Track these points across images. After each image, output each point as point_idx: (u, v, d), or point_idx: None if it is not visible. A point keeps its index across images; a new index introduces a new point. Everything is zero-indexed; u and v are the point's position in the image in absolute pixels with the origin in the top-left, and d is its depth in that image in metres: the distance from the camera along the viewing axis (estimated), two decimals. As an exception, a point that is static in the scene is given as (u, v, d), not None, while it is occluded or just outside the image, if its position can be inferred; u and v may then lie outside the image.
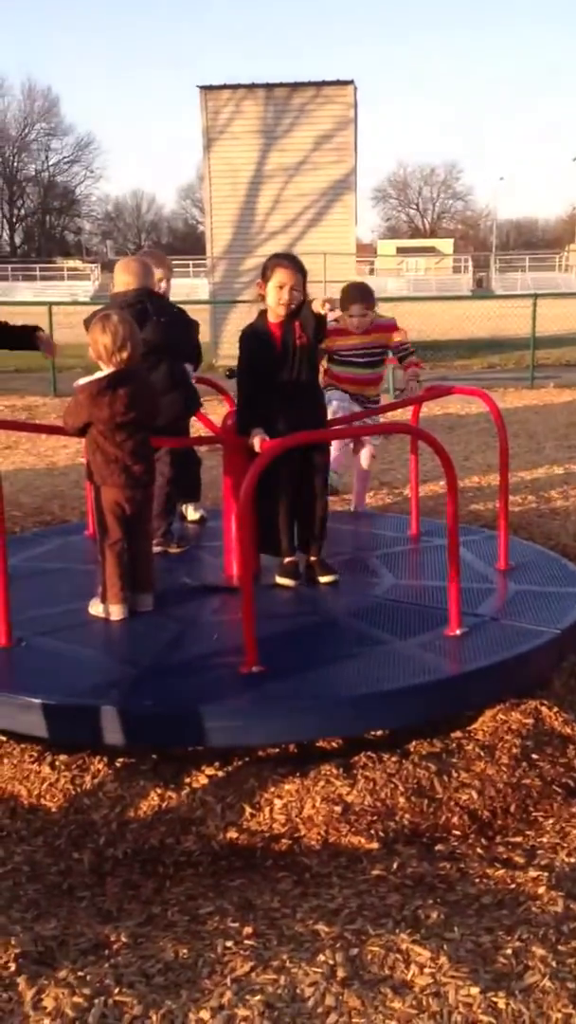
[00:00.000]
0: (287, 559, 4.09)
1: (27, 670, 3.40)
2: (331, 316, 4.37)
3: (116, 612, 3.75)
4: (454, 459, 6.63)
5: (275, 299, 3.95)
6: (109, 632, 3.71)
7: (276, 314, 3.98)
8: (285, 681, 3.20)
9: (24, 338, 4.35)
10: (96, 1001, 2.08)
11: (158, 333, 4.30)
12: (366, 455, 5.68)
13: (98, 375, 3.62)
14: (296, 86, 17.71)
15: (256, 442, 3.80)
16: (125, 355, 3.58)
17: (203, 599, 4.06)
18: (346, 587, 4.16)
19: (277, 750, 3.24)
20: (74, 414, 3.65)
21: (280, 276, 3.92)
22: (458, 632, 3.51)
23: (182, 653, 3.50)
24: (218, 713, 3.06)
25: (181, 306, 4.92)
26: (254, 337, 4.01)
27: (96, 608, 3.81)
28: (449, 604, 3.54)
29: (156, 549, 4.34)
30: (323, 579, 4.11)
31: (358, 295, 5.42)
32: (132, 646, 3.57)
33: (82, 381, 3.66)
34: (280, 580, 4.07)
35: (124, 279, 4.46)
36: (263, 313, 4.03)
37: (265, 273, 3.98)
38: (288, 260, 4.01)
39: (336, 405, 5.13)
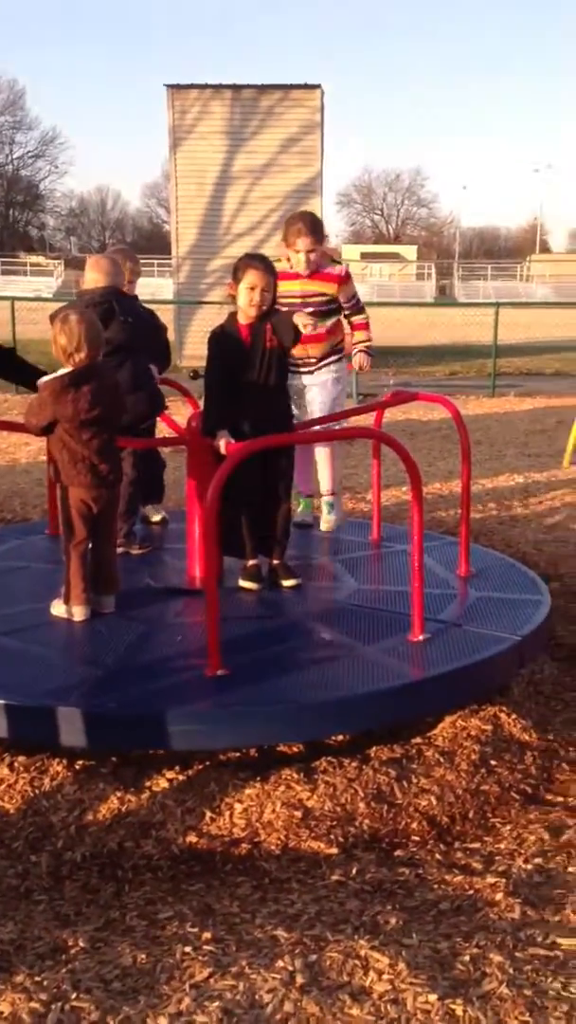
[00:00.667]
0: (250, 562, 4.08)
1: None
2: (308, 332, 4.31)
3: (79, 613, 3.72)
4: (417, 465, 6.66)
5: (246, 300, 3.94)
6: (72, 633, 3.68)
7: (247, 315, 3.97)
8: (250, 685, 3.19)
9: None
10: (53, 1007, 2.06)
11: (123, 333, 4.27)
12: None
13: (60, 372, 3.59)
14: (264, 88, 17.72)
15: (222, 444, 3.79)
16: (82, 355, 3.55)
17: (166, 601, 4.04)
18: (308, 591, 4.16)
19: (238, 754, 3.24)
20: (37, 412, 3.61)
21: (251, 278, 3.92)
22: (421, 638, 3.53)
23: (145, 655, 3.48)
24: (183, 716, 3.04)
25: (151, 308, 4.89)
26: (223, 338, 4.00)
27: (58, 609, 3.78)
28: (412, 610, 3.56)
29: (118, 550, 4.31)
30: (286, 583, 4.11)
31: (305, 227, 4.79)
32: (95, 647, 3.54)
33: (45, 379, 3.63)
34: (243, 583, 4.07)
35: (93, 276, 4.43)
36: (233, 315, 4.02)
37: (236, 274, 3.97)
38: (259, 261, 4.01)
39: None
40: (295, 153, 17.78)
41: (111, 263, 4.52)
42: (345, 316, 5.05)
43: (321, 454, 5.14)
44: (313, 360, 4.98)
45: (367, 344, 5.14)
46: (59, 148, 72.18)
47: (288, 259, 4.86)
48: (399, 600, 3.96)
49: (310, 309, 4.62)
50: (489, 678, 3.50)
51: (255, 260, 4.02)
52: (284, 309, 4.24)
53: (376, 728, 3.34)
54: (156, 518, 5.25)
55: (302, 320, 3.94)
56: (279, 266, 4.48)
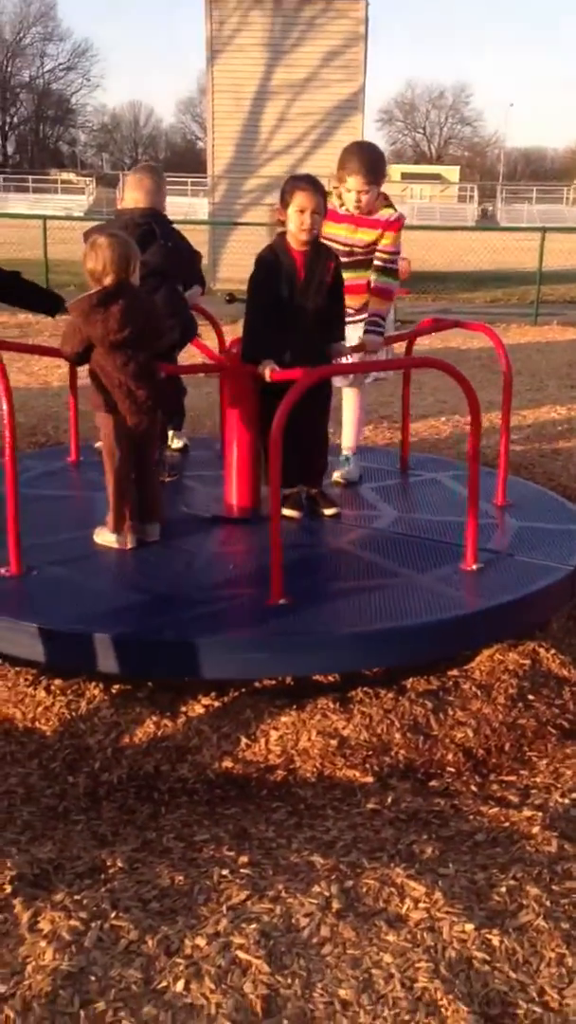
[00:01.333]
0: (291, 490, 4.03)
1: (45, 599, 3.33)
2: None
3: (124, 541, 3.69)
4: (452, 396, 6.52)
5: (296, 224, 3.76)
6: (122, 562, 3.64)
7: (298, 240, 3.79)
8: (312, 614, 3.17)
9: (47, 302, 4.08)
10: (93, 925, 2.10)
11: (161, 257, 4.15)
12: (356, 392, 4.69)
13: (89, 292, 3.50)
14: (306, -2, 17.00)
15: (267, 371, 3.70)
16: (110, 279, 3.45)
17: (207, 530, 4.01)
18: (349, 520, 4.12)
19: (273, 682, 3.24)
20: (70, 337, 3.54)
21: (300, 200, 3.73)
22: (474, 567, 3.51)
23: (200, 584, 3.46)
24: (250, 645, 3.04)
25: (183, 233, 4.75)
26: (274, 261, 3.84)
27: (103, 537, 3.75)
28: (467, 539, 3.54)
29: None
30: (327, 511, 4.07)
31: (361, 163, 4.10)
32: (149, 576, 3.51)
33: (74, 300, 3.55)
34: (285, 512, 4.02)
35: (134, 196, 4.29)
36: (282, 236, 3.86)
37: (284, 197, 3.80)
38: (307, 182, 3.80)
39: None
40: (337, 67, 17.13)
41: (154, 182, 4.36)
42: (374, 267, 4.29)
43: (348, 408, 4.70)
44: (351, 311, 4.33)
45: (380, 319, 4.33)
46: (91, 60, 70.81)
47: (340, 196, 4.23)
48: (443, 529, 3.94)
49: (354, 258, 4.22)
50: (544, 608, 3.49)
51: (303, 181, 3.81)
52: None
53: (442, 658, 3.34)
54: (177, 444, 5.18)
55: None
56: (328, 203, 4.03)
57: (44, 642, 3.08)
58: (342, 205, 4.23)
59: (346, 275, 4.04)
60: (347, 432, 4.72)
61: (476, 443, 3.51)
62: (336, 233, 4.21)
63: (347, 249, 4.23)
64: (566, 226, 32.58)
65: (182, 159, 62.53)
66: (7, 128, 71.49)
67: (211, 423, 6.04)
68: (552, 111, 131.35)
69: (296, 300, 3.82)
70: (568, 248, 19.22)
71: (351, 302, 4.28)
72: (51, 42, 69.51)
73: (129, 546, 3.69)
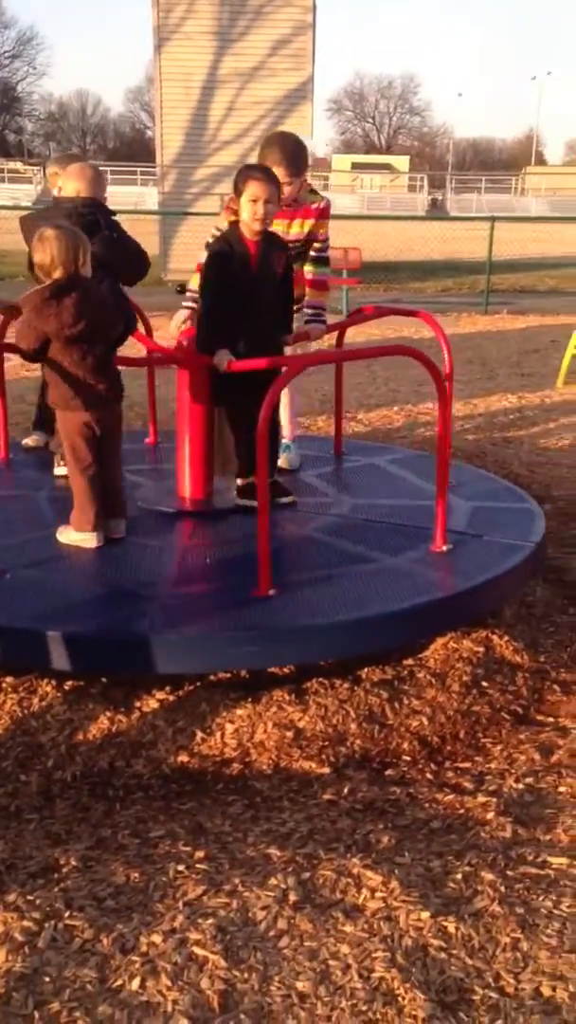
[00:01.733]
0: (245, 480, 4.01)
1: (29, 602, 3.23)
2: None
3: (92, 539, 3.61)
4: (407, 385, 6.56)
5: (249, 214, 3.72)
6: (94, 560, 3.56)
7: (251, 230, 3.76)
8: (299, 603, 3.17)
9: None
10: (47, 925, 2.07)
11: (106, 248, 4.07)
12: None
13: (40, 286, 3.44)
14: (254, -15, 16.89)
15: (224, 361, 3.67)
16: (59, 272, 3.39)
17: (169, 524, 3.96)
18: (309, 508, 4.12)
19: (229, 675, 3.22)
20: (25, 333, 3.46)
21: (253, 189, 3.69)
22: (444, 548, 3.58)
23: (183, 578, 3.43)
24: (245, 638, 3.01)
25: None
26: (228, 251, 3.79)
27: (68, 536, 3.66)
28: (436, 521, 3.62)
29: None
30: (282, 500, 4.07)
31: (284, 154, 3.97)
32: (128, 573, 3.44)
33: (25, 295, 3.47)
34: (244, 501, 4.00)
35: (76, 185, 4.19)
36: (235, 225, 3.82)
37: (237, 186, 3.76)
38: (260, 172, 3.76)
39: None
40: (285, 56, 17.06)
41: (96, 172, 4.27)
42: (310, 259, 4.26)
43: (285, 398, 4.55)
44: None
45: (322, 309, 4.29)
46: (37, 48, 69.60)
47: None
48: (401, 513, 4.01)
49: (292, 251, 4.09)
50: (513, 585, 3.57)
51: (256, 171, 3.77)
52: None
53: (427, 638, 3.39)
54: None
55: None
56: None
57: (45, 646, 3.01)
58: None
59: None
60: (285, 421, 4.69)
61: (447, 425, 3.57)
62: (274, 229, 4.05)
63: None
64: (515, 215, 32.88)
65: (131, 148, 61.94)
66: (-49, 116, 70.13)
67: (135, 414, 5.98)
68: (500, 102, 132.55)
69: (250, 290, 3.79)
70: (517, 237, 19.40)
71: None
72: (-5, 29, 68.25)
73: (95, 544, 3.63)
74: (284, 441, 4.67)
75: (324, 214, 4.23)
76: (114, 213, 4.31)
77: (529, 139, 74.57)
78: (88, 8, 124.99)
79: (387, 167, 57.55)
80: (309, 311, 4.28)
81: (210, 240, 3.96)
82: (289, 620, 3.08)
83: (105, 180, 4.43)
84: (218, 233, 3.95)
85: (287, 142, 4.06)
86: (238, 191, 3.75)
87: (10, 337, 4.23)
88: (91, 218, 4.07)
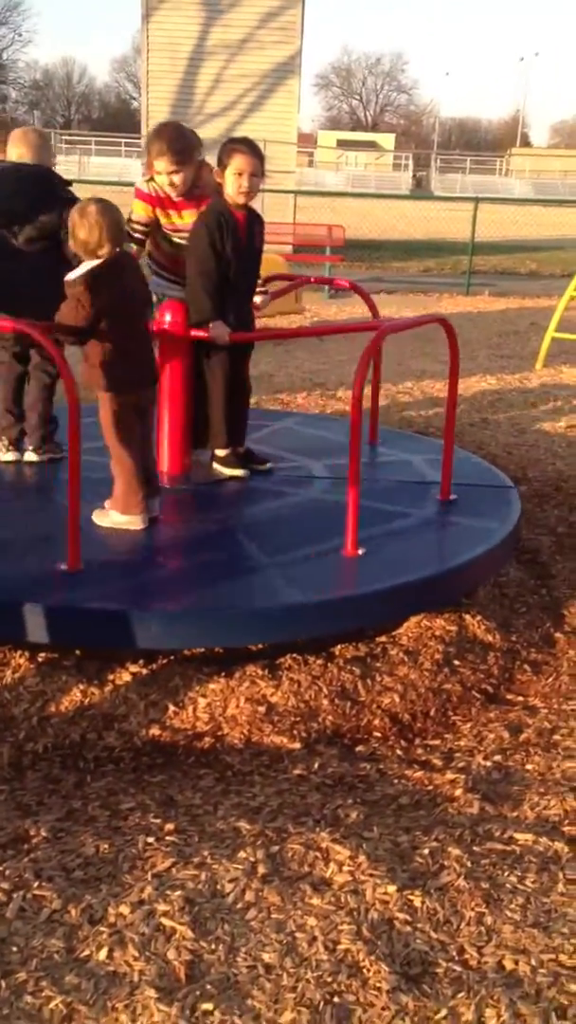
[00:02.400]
0: (227, 450, 4.02)
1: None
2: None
3: (139, 521, 3.50)
4: (387, 364, 6.54)
5: (235, 187, 3.74)
6: (143, 539, 3.50)
7: (236, 203, 3.77)
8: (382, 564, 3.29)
9: None
10: (15, 895, 2.07)
11: (60, 217, 3.82)
12: None
13: (89, 265, 3.30)
14: (243, -45, 16.66)
15: (224, 334, 3.66)
16: (106, 249, 3.27)
17: (173, 501, 3.88)
18: (287, 474, 4.16)
19: (202, 650, 3.23)
20: (74, 313, 3.28)
21: (239, 162, 3.71)
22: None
23: (260, 547, 3.44)
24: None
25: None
26: (222, 219, 3.77)
27: (110, 519, 3.52)
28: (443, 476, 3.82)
29: (43, 457, 4.14)
30: (261, 467, 4.09)
31: (166, 144, 3.78)
32: (174, 552, 3.47)
33: (74, 275, 3.31)
34: (231, 472, 4.00)
35: (19, 151, 3.96)
36: (222, 197, 3.81)
37: (222, 159, 3.75)
38: (246, 145, 3.78)
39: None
40: (274, 29, 16.87)
41: (40, 137, 4.08)
42: None
43: None
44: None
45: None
46: (23, 15, 68.42)
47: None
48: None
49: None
50: (500, 560, 3.66)
51: (241, 144, 3.78)
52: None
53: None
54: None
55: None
56: (149, 185, 3.90)
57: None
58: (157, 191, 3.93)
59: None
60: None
61: (453, 399, 3.69)
62: (176, 225, 3.98)
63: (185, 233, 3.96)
64: (499, 197, 32.81)
65: (116, 119, 61.06)
66: None
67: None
68: (487, 82, 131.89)
69: (239, 262, 3.82)
70: (501, 219, 19.35)
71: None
72: (-22, -5, 66.90)
73: (142, 526, 3.51)
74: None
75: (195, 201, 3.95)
76: (69, 183, 4.12)
77: (515, 120, 74.26)
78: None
79: (372, 145, 57.17)
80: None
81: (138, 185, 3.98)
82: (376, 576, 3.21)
83: (52, 147, 4.18)
84: (145, 189, 3.91)
85: (170, 130, 3.90)
86: (222, 164, 3.75)
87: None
88: (49, 183, 3.95)
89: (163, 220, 3.99)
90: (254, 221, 3.89)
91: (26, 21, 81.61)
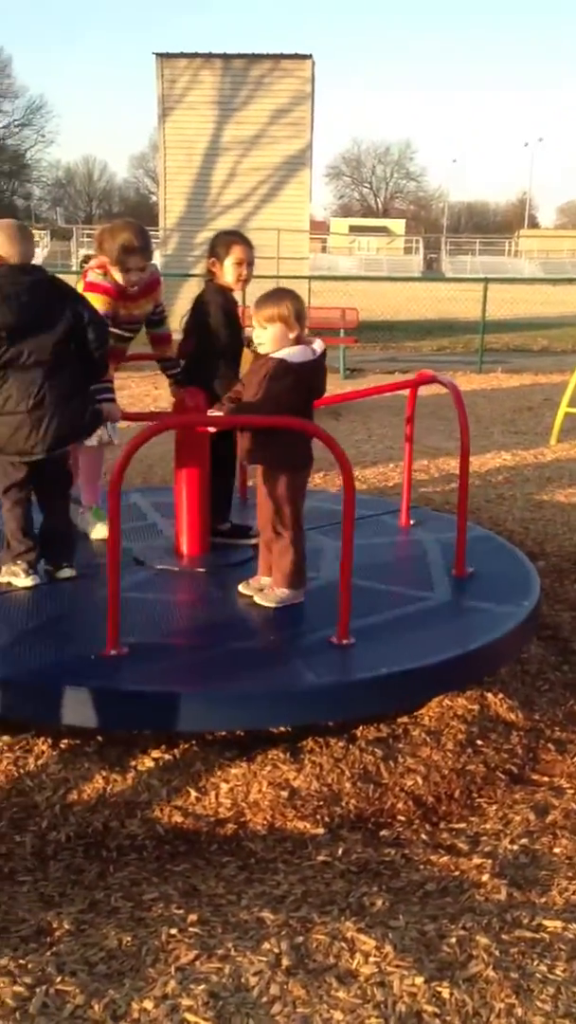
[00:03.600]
0: (224, 525, 4.22)
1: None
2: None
3: (302, 594, 3.50)
4: (401, 443, 6.61)
5: (234, 276, 3.99)
6: (179, 620, 3.55)
7: (232, 290, 4.06)
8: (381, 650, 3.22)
9: None
10: (38, 990, 2.05)
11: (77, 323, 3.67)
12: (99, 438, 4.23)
13: (300, 348, 3.25)
14: (254, 58, 17.44)
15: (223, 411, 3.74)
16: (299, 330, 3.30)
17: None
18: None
19: (224, 734, 3.22)
20: (275, 397, 3.19)
21: (238, 253, 3.98)
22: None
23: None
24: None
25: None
26: (224, 300, 4.02)
27: (276, 597, 3.46)
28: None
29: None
30: (248, 541, 4.17)
31: (139, 239, 3.94)
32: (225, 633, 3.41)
33: (282, 354, 3.23)
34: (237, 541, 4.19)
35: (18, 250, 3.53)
36: (215, 285, 4.04)
37: (217, 251, 4.01)
38: (240, 236, 4.08)
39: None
40: (285, 124, 17.56)
41: (17, 229, 3.56)
42: (156, 322, 4.31)
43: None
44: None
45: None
46: (45, 117, 71.31)
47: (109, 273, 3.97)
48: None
49: (135, 330, 4.23)
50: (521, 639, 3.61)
51: (237, 236, 4.09)
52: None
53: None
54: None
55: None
56: (99, 278, 3.96)
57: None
58: (110, 282, 3.97)
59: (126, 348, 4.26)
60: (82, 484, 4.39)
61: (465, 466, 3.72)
62: (133, 314, 4.12)
63: (138, 324, 4.22)
64: (508, 277, 33.44)
65: (135, 212, 63.05)
66: (-39, 182, 71.64)
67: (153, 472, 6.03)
68: (494, 167, 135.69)
69: (233, 343, 4.05)
70: (510, 298, 19.72)
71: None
72: (6, 99, 69.89)
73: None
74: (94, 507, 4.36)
75: (159, 281, 4.29)
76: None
77: (522, 203, 76.12)
78: (95, 78, 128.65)
79: (384, 230, 58.66)
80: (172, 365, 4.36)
81: (89, 277, 3.99)
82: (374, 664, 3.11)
83: (32, 240, 3.65)
84: (102, 282, 3.94)
85: (133, 227, 4.01)
86: (219, 255, 3.99)
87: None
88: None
89: (122, 312, 4.06)
90: (238, 305, 4.17)
91: (49, 122, 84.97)
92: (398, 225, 61.47)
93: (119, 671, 3.03)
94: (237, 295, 4.18)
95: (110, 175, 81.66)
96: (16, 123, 70.76)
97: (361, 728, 3.25)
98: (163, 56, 17.37)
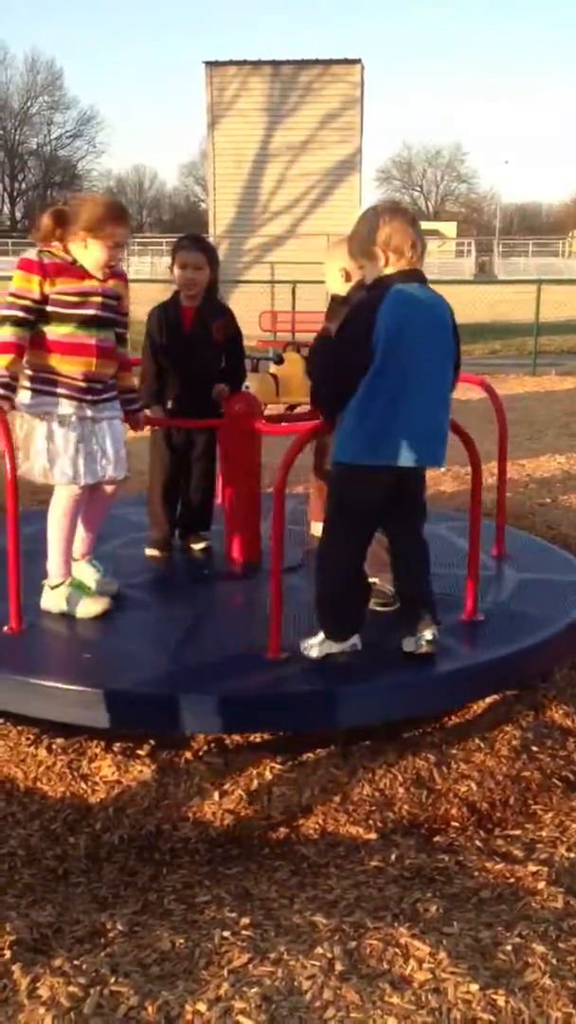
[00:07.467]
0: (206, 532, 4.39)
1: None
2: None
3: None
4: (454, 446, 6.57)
5: (178, 281, 4.06)
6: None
7: (186, 296, 4.10)
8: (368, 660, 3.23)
9: None
10: (92, 991, 2.06)
11: None
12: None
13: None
14: (303, 64, 17.54)
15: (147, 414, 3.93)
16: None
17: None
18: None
19: (275, 737, 3.22)
20: None
21: (179, 258, 4.03)
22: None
23: None
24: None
25: None
26: (162, 315, 4.11)
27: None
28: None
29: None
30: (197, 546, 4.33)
31: (118, 209, 3.32)
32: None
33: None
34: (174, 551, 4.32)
35: None
36: (176, 294, 4.14)
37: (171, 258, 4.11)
38: (190, 240, 4.09)
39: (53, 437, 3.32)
40: (334, 129, 17.60)
41: None
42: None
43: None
44: (100, 387, 3.40)
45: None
46: (96, 127, 72.62)
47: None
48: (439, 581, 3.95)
49: (112, 315, 3.43)
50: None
51: (184, 239, 4.11)
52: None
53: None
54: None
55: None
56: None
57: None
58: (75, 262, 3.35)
59: (107, 337, 3.39)
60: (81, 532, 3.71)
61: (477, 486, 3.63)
62: (92, 287, 3.34)
63: (105, 303, 3.38)
64: (562, 278, 32.99)
65: (185, 220, 63.84)
66: (16, 194, 73.06)
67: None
68: (546, 167, 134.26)
69: (184, 353, 4.08)
70: (564, 300, 19.45)
71: (109, 368, 3.42)
72: (58, 111, 71.33)
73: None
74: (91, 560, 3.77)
75: (124, 276, 3.52)
76: None
77: (575, 203, 75.15)
78: (145, 88, 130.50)
79: (435, 233, 58.35)
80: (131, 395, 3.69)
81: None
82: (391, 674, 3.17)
83: None
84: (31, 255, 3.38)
85: (117, 202, 3.46)
86: (172, 262, 4.07)
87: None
88: None
89: (61, 284, 3.30)
90: (209, 313, 4.14)
91: (100, 133, 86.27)
92: (450, 228, 61.16)
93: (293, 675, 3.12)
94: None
95: (160, 183, 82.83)
96: (68, 134, 72.10)
97: (414, 733, 3.22)
98: (212, 64, 17.54)
